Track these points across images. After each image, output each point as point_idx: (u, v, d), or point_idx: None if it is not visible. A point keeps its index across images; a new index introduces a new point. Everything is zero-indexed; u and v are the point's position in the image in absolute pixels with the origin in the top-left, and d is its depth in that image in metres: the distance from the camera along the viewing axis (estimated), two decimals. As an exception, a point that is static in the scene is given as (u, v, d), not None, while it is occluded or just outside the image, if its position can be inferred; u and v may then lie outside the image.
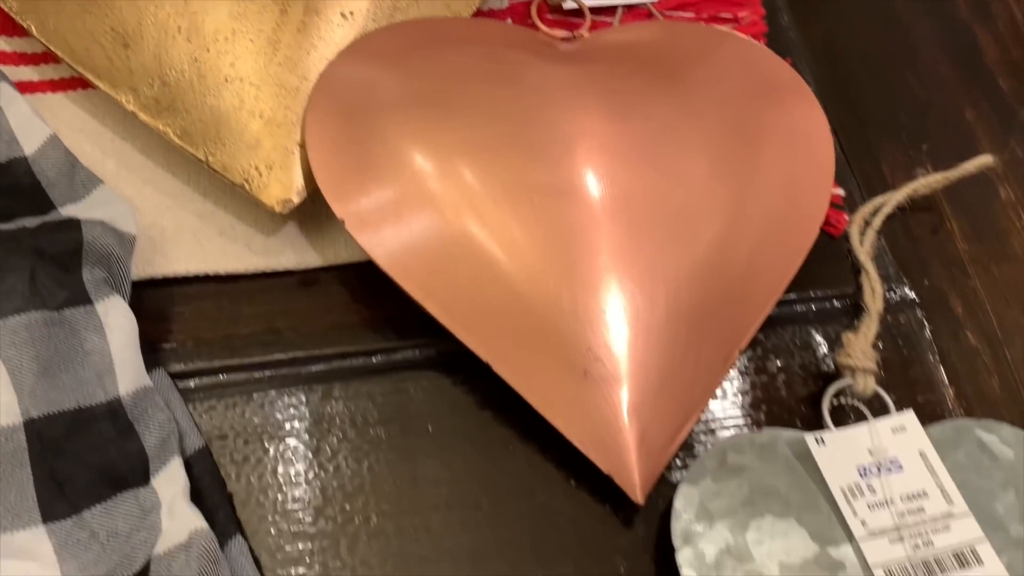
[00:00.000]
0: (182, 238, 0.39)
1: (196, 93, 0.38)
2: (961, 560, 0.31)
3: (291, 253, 0.39)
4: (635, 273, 0.35)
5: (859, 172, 0.44)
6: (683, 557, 0.31)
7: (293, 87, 0.38)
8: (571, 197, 0.37)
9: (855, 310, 0.39)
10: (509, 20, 0.46)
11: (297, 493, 0.34)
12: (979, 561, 0.31)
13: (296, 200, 0.37)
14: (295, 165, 0.38)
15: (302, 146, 0.38)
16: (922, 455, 0.33)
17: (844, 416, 0.36)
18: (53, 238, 0.34)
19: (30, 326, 0.33)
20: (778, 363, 0.38)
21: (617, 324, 0.34)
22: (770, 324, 0.38)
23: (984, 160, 0.41)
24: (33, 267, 0.34)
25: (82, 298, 0.34)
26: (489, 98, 0.39)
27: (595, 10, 0.45)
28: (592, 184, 0.37)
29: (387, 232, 0.36)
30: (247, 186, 0.37)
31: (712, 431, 0.36)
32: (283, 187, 0.37)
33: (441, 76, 0.39)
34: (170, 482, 0.33)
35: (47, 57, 0.43)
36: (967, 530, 0.31)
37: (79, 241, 0.35)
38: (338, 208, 0.36)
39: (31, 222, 0.36)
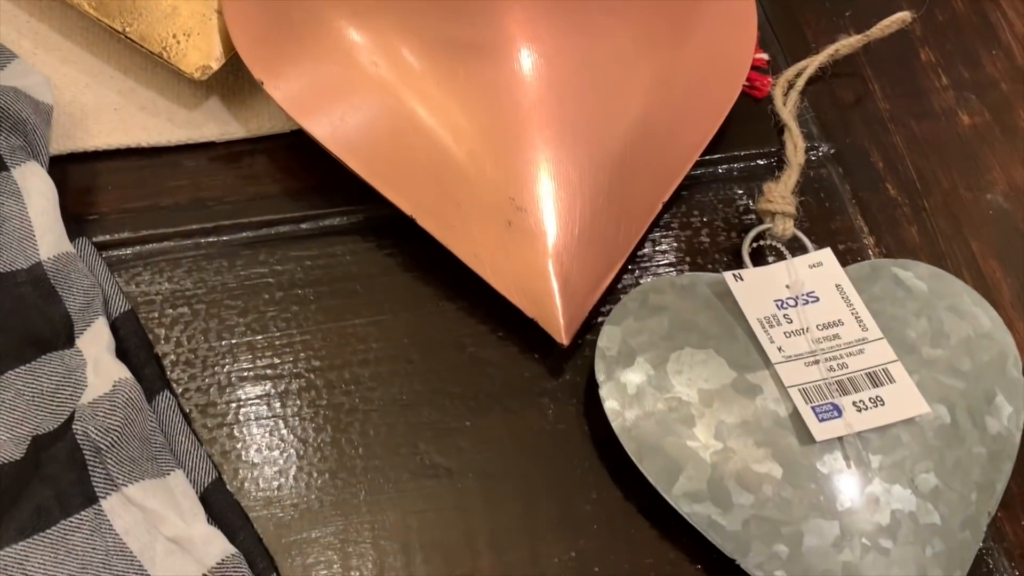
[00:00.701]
0: (103, 114, 0.38)
1: (124, -25, 0.38)
2: (874, 380, 0.32)
3: (214, 125, 0.39)
4: (558, 128, 0.36)
5: (783, 38, 0.44)
6: (606, 390, 0.32)
7: None
8: (494, 55, 0.36)
9: (778, 167, 0.40)
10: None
11: (225, 351, 0.34)
12: (891, 380, 0.32)
13: (215, 66, 0.37)
14: (213, 32, 0.37)
15: (219, 13, 0.37)
16: (838, 287, 0.34)
17: (764, 259, 0.37)
18: (-39, 103, 0.34)
19: (-58, 190, 0.33)
20: (703, 219, 0.39)
21: (540, 176, 0.35)
22: (696, 183, 0.39)
23: (902, 16, 0.41)
24: (-57, 133, 0.33)
25: (-3, 164, 0.34)
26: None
27: None
28: (516, 43, 0.37)
29: (306, 91, 0.36)
30: (165, 54, 0.37)
31: (637, 282, 0.37)
32: (201, 54, 0.37)
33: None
34: (94, 341, 0.33)
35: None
36: (880, 353, 0.32)
37: (-11, 106, 0.34)
38: (257, 70, 0.36)
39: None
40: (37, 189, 0.34)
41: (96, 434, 0.30)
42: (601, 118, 0.36)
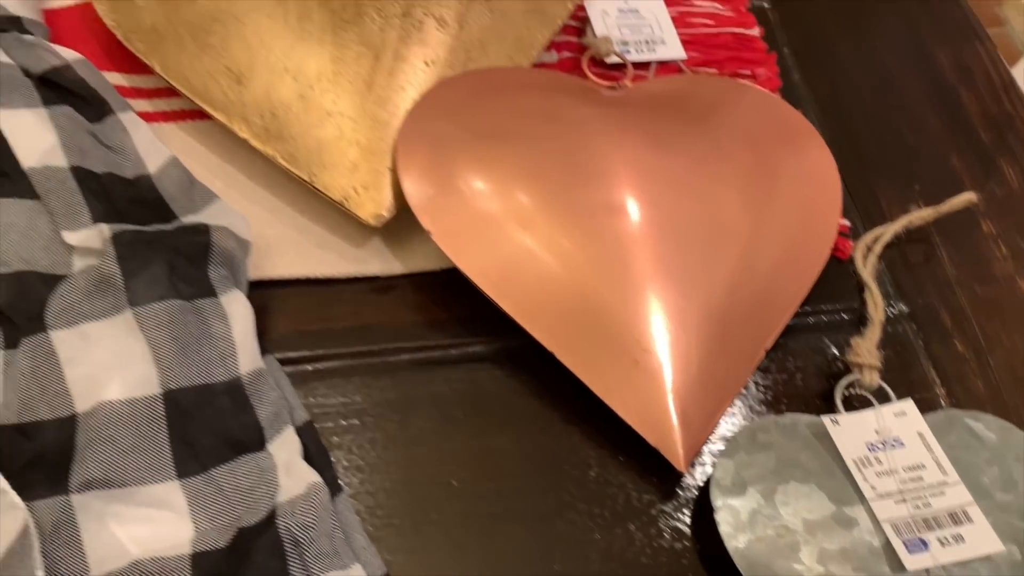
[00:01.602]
0: (285, 247, 0.45)
1: (302, 124, 0.45)
2: (955, 519, 0.37)
3: (378, 261, 0.45)
4: (676, 280, 0.42)
5: (860, 206, 0.51)
6: (721, 515, 0.37)
7: (384, 121, 0.45)
8: (620, 214, 0.43)
9: (860, 322, 0.46)
10: (557, 72, 0.53)
11: (389, 459, 0.40)
12: (969, 519, 0.37)
13: (387, 216, 0.44)
14: (386, 186, 0.44)
15: (392, 170, 0.44)
16: (920, 435, 0.39)
17: (852, 405, 0.42)
18: (188, 239, 0.41)
19: (170, 311, 0.39)
20: (796, 364, 0.44)
21: (664, 322, 0.41)
22: (789, 332, 0.44)
23: (968, 197, 0.48)
24: (172, 262, 0.40)
25: (209, 291, 0.41)
26: (548, 133, 0.46)
27: (634, 64, 0.53)
28: (638, 205, 0.44)
29: (466, 242, 0.42)
30: (346, 203, 0.44)
31: (745, 417, 0.42)
32: (376, 204, 0.44)
33: (508, 114, 0.46)
34: (284, 446, 0.38)
35: (161, 92, 0.50)
36: (959, 495, 0.37)
37: (208, 243, 0.41)
38: (425, 221, 0.42)
39: (160, 228, 0.42)
40: (239, 313, 0.41)
41: (296, 530, 0.35)
42: (712, 274, 0.43)
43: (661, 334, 0.41)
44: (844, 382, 0.42)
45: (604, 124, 0.46)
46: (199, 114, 0.49)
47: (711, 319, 0.41)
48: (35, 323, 0.40)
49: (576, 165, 0.45)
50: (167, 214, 0.44)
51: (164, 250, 0.40)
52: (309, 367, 0.42)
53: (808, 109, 0.54)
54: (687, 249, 0.43)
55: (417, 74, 0.47)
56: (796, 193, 0.47)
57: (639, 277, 0.42)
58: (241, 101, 0.46)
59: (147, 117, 0.49)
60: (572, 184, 0.44)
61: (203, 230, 0.41)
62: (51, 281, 0.41)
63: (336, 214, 0.46)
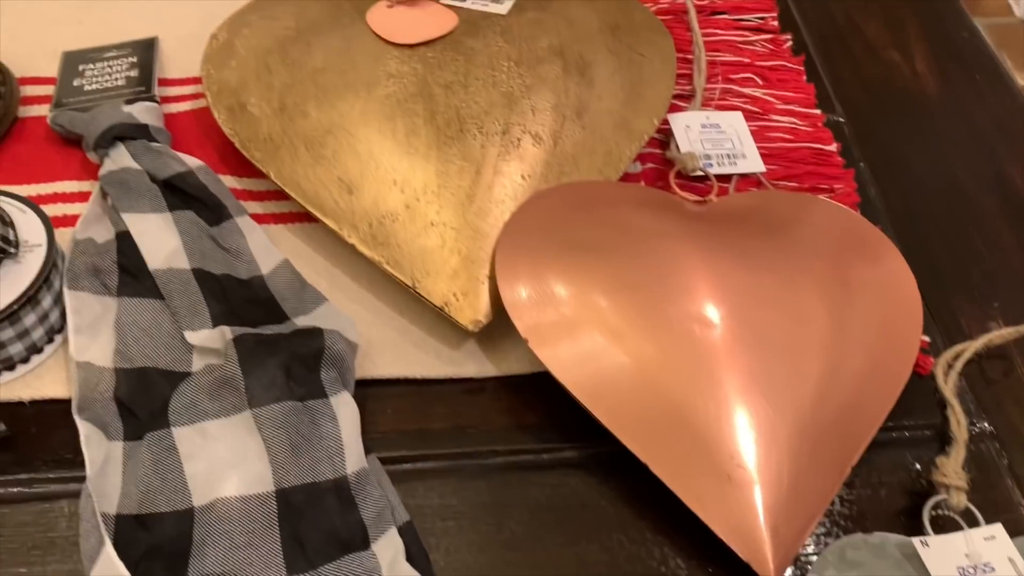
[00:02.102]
0: (385, 348, 0.48)
1: (407, 233, 0.48)
2: (1049, 649, 0.37)
3: (472, 364, 0.47)
4: (767, 395, 0.43)
5: (940, 322, 0.52)
6: (813, 634, 0.38)
7: (484, 232, 0.48)
8: (709, 327, 0.45)
9: (942, 438, 0.47)
10: (642, 182, 0.55)
11: (484, 562, 0.41)
12: (1064, 651, 0.37)
13: (484, 322, 0.46)
14: (484, 293, 0.46)
15: (490, 278, 0.47)
16: (1011, 561, 0.39)
17: (939, 525, 0.43)
18: (302, 343, 0.43)
19: (285, 412, 0.41)
20: (880, 479, 0.45)
21: (755, 437, 0.42)
22: (874, 447, 0.45)
23: (1049, 317, 0.49)
24: (288, 365, 0.42)
25: (320, 392, 0.43)
26: (638, 246, 0.48)
27: (716, 176, 0.55)
28: (725, 318, 0.45)
29: (561, 350, 0.44)
30: (446, 308, 0.46)
31: (830, 532, 0.43)
32: (474, 310, 0.46)
33: (600, 227, 0.49)
34: (388, 547, 0.40)
35: (271, 195, 0.53)
36: (1053, 625, 0.37)
37: (321, 347, 0.43)
38: (522, 328, 0.44)
39: (274, 329, 0.45)
40: (347, 414, 0.43)
41: (403, 631, 0.37)
42: (801, 389, 0.44)
43: (753, 448, 0.42)
44: (931, 503, 0.42)
45: (691, 238, 0.48)
46: (307, 217, 0.52)
47: (800, 433, 0.43)
48: (158, 418, 0.42)
49: (665, 278, 0.47)
50: (279, 314, 0.47)
51: (281, 353, 0.43)
52: (408, 466, 0.44)
53: (885, 224, 0.55)
54: (774, 362, 0.44)
55: (515, 187, 0.49)
56: (877, 308, 0.48)
57: (729, 389, 0.43)
58: (351, 209, 0.49)
59: (258, 219, 0.52)
60: (662, 296, 0.46)
61: (317, 334, 0.44)
62: (172, 378, 0.44)
63: (433, 317, 0.49)
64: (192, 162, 0.51)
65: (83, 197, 0.53)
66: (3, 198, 0.47)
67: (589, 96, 0.53)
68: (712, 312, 0.46)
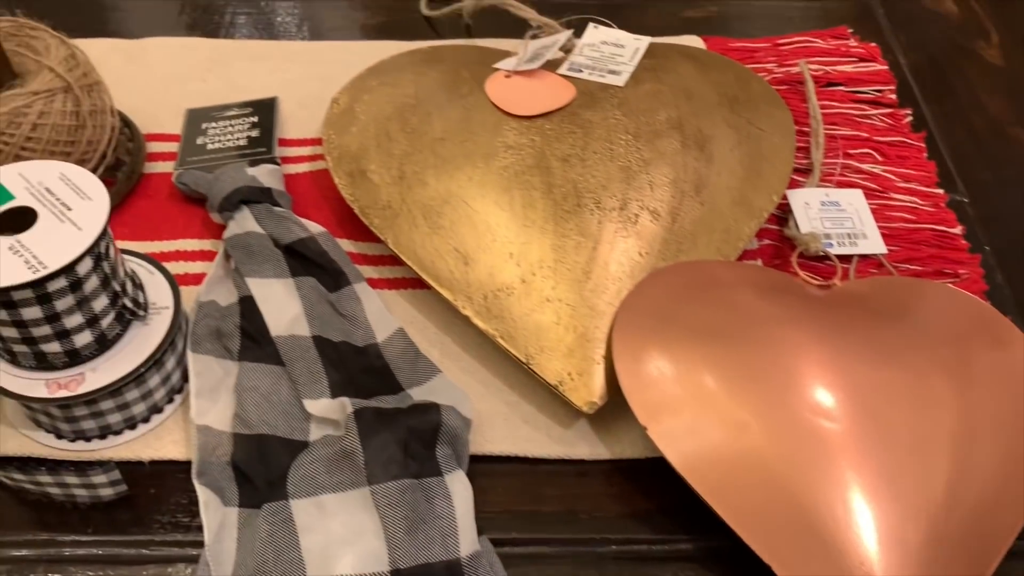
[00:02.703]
0: (495, 422, 0.47)
1: (522, 307, 0.47)
2: None
3: (584, 445, 0.47)
4: (897, 496, 0.41)
5: (1077, 422, 0.49)
6: None
7: (601, 310, 0.47)
8: (834, 421, 0.43)
9: (1083, 550, 0.44)
10: (759, 260, 0.54)
11: (598, 659, 0.40)
12: None
13: (599, 404, 0.45)
14: (600, 374, 0.46)
15: (606, 359, 0.46)
16: None
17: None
18: (420, 418, 0.43)
19: (402, 490, 0.41)
20: (1017, 593, 0.43)
21: (885, 543, 0.40)
22: (1011, 556, 0.43)
23: None
24: (406, 442, 0.42)
25: (436, 470, 0.43)
26: (761, 333, 0.47)
27: (836, 256, 0.53)
28: (852, 412, 0.44)
29: (680, 438, 0.43)
30: (560, 388, 0.45)
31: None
32: (589, 391, 0.45)
33: (720, 311, 0.48)
34: (499, 634, 0.39)
35: (385, 260, 0.54)
36: None
37: (438, 423, 0.43)
38: (641, 415, 0.44)
39: (390, 400, 0.45)
40: (461, 493, 0.42)
41: None
42: (933, 491, 0.42)
43: (883, 555, 0.40)
44: (1078, 625, 0.40)
45: (815, 326, 0.47)
46: (420, 284, 0.52)
47: (932, 539, 0.40)
48: (275, 488, 0.42)
49: (789, 368, 0.45)
50: (394, 384, 0.47)
51: (399, 428, 0.42)
52: (520, 550, 0.43)
53: (1014, 314, 0.53)
54: (903, 461, 0.43)
55: (632, 265, 0.49)
56: (1010, 401, 0.46)
57: (856, 489, 0.41)
58: (466, 280, 0.49)
59: (373, 283, 0.53)
60: (786, 387, 0.45)
61: (433, 409, 0.43)
62: (290, 447, 0.44)
63: (544, 392, 0.48)
64: (313, 228, 0.52)
65: (204, 256, 0.54)
66: (133, 259, 0.48)
67: (708, 172, 0.53)
68: (837, 405, 0.44)
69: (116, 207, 0.56)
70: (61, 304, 0.41)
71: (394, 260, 0.53)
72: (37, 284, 0.40)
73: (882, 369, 0.46)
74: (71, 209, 0.41)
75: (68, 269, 0.40)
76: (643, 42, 0.60)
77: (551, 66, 0.60)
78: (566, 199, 0.51)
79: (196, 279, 0.53)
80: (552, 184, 0.51)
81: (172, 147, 0.60)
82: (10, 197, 0.42)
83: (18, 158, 0.51)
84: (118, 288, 0.44)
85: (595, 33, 0.61)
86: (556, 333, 0.47)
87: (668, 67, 0.59)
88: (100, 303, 0.42)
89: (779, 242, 0.56)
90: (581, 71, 0.58)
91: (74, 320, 0.42)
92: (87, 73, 0.54)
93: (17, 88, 0.51)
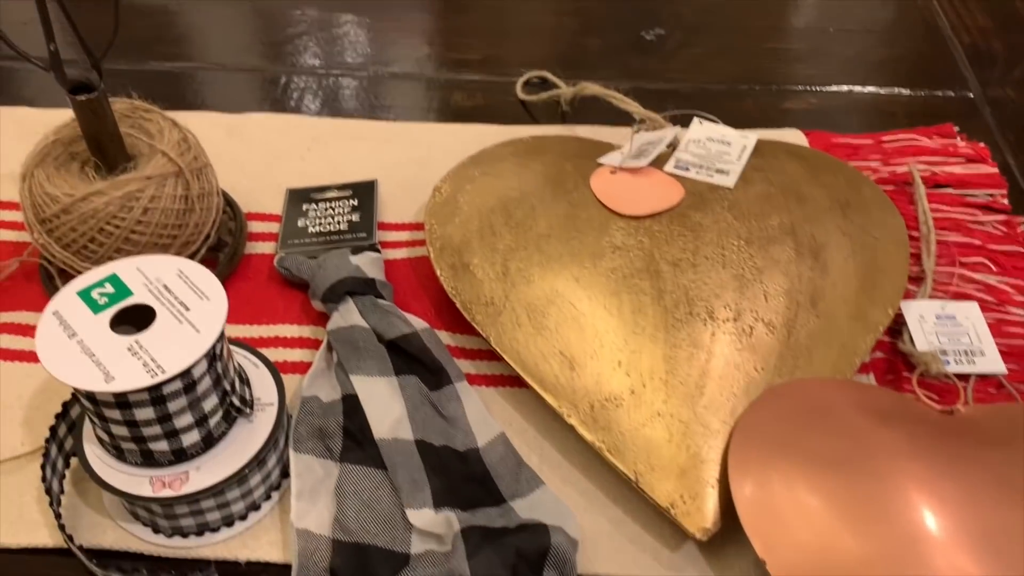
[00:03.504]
0: (599, 540, 0.45)
1: (631, 420, 0.46)
2: None
3: (693, 570, 0.44)
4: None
5: None
6: None
7: (715, 429, 0.45)
8: (967, 565, 0.41)
9: None
10: (871, 374, 0.52)
11: None
12: None
13: (713, 531, 0.43)
14: (714, 498, 0.44)
15: (721, 482, 0.44)
16: None
17: None
18: (528, 539, 0.41)
19: (509, 616, 0.39)
20: None
21: None
22: None
23: None
24: (514, 564, 0.41)
25: (543, 596, 0.41)
26: (887, 465, 0.44)
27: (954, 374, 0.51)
28: (986, 561, 0.41)
29: (800, 569, 0.41)
30: (671, 510, 0.43)
31: None
32: (703, 517, 0.43)
33: (842, 436, 0.45)
34: None
35: (483, 354, 0.53)
36: None
37: (547, 546, 0.41)
38: (759, 547, 0.41)
39: (494, 514, 0.44)
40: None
41: None
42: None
43: None
44: None
45: (940, 459, 0.45)
46: (519, 382, 0.51)
47: None
48: (376, 603, 0.41)
49: (914, 504, 0.43)
50: (496, 494, 0.45)
51: (507, 551, 0.41)
52: None
53: None
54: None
55: (748, 381, 0.47)
56: None
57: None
58: (571, 387, 0.47)
59: (470, 379, 0.51)
60: (910, 524, 0.42)
61: (542, 531, 0.42)
62: (391, 559, 0.42)
63: (650, 510, 0.46)
64: (417, 323, 0.51)
65: (303, 343, 0.54)
66: (240, 350, 0.48)
67: (823, 282, 0.51)
68: (968, 553, 0.41)
69: (216, 288, 0.56)
70: (174, 405, 0.40)
71: (493, 355, 0.52)
72: (153, 387, 0.39)
73: (1010, 509, 0.43)
74: (189, 309, 0.41)
75: (184, 373, 0.40)
76: (750, 139, 0.59)
77: (656, 161, 0.59)
78: (677, 306, 0.49)
79: (295, 367, 0.52)
80: (663, 290, 0.50)
81: (272, 227, 0.61)
82: (128, 293, 0.42)
83: (127, 241, 0.51)
84: (228, 387, 0.43)
85: (700, 128, 0.60)
86: (668, 451, 0.45)
87: (776, 167, 0.58)
88: (210, 403, 0.42)
89: (892, 355, 0.53)
90: (688, 169, 0.57)
91: (184, 420, 0.41)
92: (197, 156, 0.54)
93: (131, 172, 0.52)
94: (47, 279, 0.56)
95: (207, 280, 0.42)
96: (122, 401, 0.39)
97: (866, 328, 0.50)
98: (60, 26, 0.48)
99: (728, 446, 0.45)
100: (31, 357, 0.53)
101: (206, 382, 0.41)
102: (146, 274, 0.43)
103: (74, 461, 0.47)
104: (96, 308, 0.41)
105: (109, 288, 0.42)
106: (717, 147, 0.59)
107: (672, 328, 0.49)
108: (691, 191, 0.56)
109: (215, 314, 0.41)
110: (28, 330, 0.54)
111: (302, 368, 0.52)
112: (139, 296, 0.42)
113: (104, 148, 0.51)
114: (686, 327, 0.49)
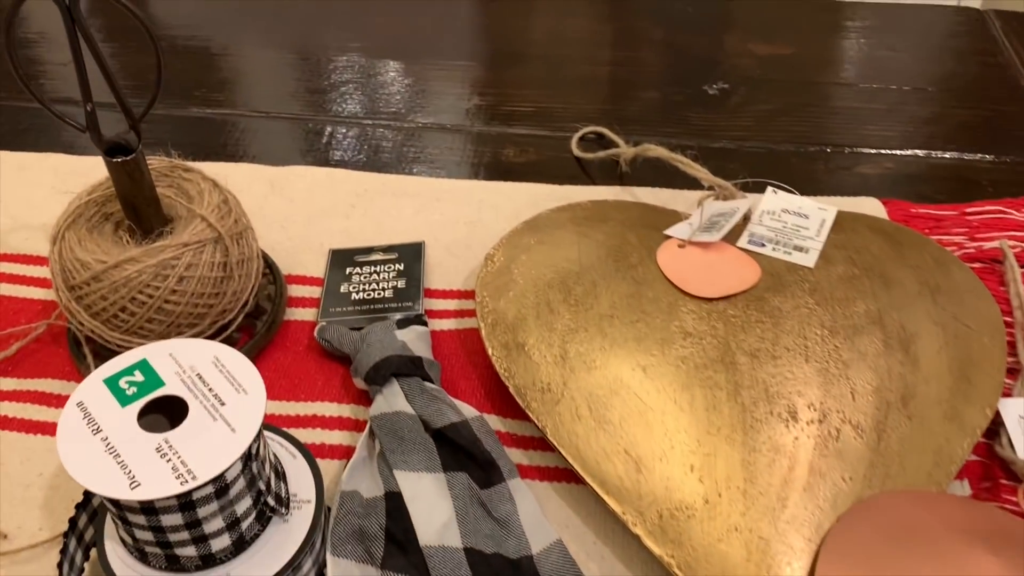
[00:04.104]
0: (666, 667, 0.41)
1: (705, 533, 0.41)
2: None
3: None
4: None
5: None
6: None
7: (799, 548, 0.41)
8: None
9: None
10: (966, 480, 0.47)
11: None
12: None
13: (798, 666, 0.39)
14: (797, 629, 0.39)
15: (806, 611, 0.40)
16: None
17: None
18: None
19: None
20: None
21: None
22: None
23: None
24: None
25: None
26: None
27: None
28: None
29: None
30: (750, 640, 0.39)
31: None
32: (786, 649, 0.39)
33: (935, 561, 0.41)
34: None
35: (536, 443, 0.49)
36: None
37: None
38: None
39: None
40: None
41: None
42: None
43: None
44: None
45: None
46: (577, 477, 0.46)
47: None
48: None
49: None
50: (551, 610, 0.41)
51: None
52: None
53: None
54: None
55: (835, 492, 0.42)
56: None
57: None
58: (637, 492, 0.43)
59: (521, 471, 0.47)
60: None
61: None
62: None
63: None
64: (467, 411, 0.47)
65: (343, 423, 0.50)
66: (276, 438, 0.44)
67: (915, 378, 0.46)
68: None
69: (253, 360, 0.52)
70: (204, 511, 0.37)
71: (547, 445, 0.48)
72: (182, 494, 0.35)
73: None
74: (224, 404, 0.37)
75: (217, 477, 0.36)
76: (829, 213, 0.55)
77: (727, 234, 0.55)
78: (756, 404, 0.45)
79: (332, 451, 0.48)
80: (739, 384, 0.46)
81: (313, 291, 0.57)
82: (159, 384, 0.38)
83: (160, 311, 0.48)
84: (263, 487, 0.39)
85: (775, 199, 0.56)
86: (746, 571, 0.40)
87: (858, 244, 0.54)
88: (243, 505, 0.38)
89: (988, 458, 0.48)
90: (764, 245, 0.53)
91: (214, 525, 0.37)
92: (238, 220, 0.50)
93: (167, 236, 0.49)
94: (74, 345, 0.52)
95: (245, 370, 0.39)
96: (147, 507, 0.36)
97: (962, 431, 0.45)
98: (93, 75, 0.45)
99: (814, 569, 0.40)
100: (55, 430, 0.49)
101: (239, 484, 0.37)
102: (179, 361, 0.39)
103: (93, 553, 0.44)
104: (124, 400, 0.37)
105: (139, 376, 0.38)
106: (794, 220, 0.54)
107: (751, 429, 0.44)
108: (768, 270, 0.52)
109: (253, 411, 0.37)
110: (52, 399, 0.51)
111: (340, 452, 0.48)
112: (171, 387, 0.38)
113: (140, 211, 0.48)
114: (766, 428, 0.44)
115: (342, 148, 0.70)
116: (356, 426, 0.50)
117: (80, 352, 0.52)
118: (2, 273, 0.58)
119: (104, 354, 0.52)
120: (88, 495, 0.42)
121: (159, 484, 0.35)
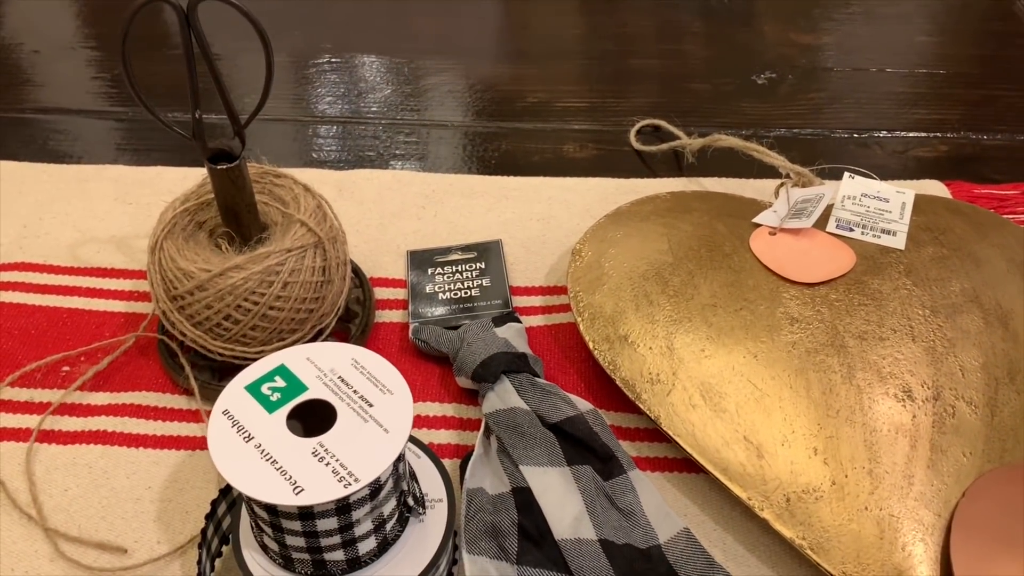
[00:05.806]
0: (805, 649, 0.41)
1: (834, 514, 0.42)
2: None
3: None
4: None
5: None
6: None
7: (929, 523, 0.41)
8: None
9: None
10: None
11: None
12: None
13: (942, 640, 0.39)
14: (938, 605, 0.40)
15: (943, 585, 0.40)
16: None
17: None
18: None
19: None
20: None
21: None
22: None
23: None
24: None
25: None
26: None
27: None
28: None
29: None
30: (892, 618, 0.39)
31: None
32: (928, 625, 0.39)
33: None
34: None
35: (644, 434, 0.49)
36: None
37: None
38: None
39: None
40: None
41: None
42: None
43: None
44: None
45: None
46: (688, 466, 0.47)
47: None
48: None
49: None
50: (687, 598, 0.41)
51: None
52: None
53: None
54: None
55: (958, 468, 0.43)
56: None
57: None
58: (761, 477, 0.43)
59: (637, 462, 0.47)
60: None
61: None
62: None
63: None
64: (581, 404, 0.47)
65: (447, 423, 0.50)
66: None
67: (1018, 354, 0.47)
68: None
69: (346, 362, 0.52)
70: (358, 513, 0.36)
71: (655, 436, 0.48)
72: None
73: None
74: (372, 405, 0.37)
75: (375, 479, 0.36)
76: (908, 196, 0.56)
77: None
78: (871, 385, 0.45)
79: (441, 450, 0.48)
80: (852, 366, 0.46)
81: (397, 293, 0.57)
82: (303, 388, 0.38)
83: (264, 317, 0.47)
84: (405, 487, 0.39)
85: (853, 184, 0.57)
86: (881, 551, 0.41)
87: (941, 226, 0.54)
88: (389, 506, 0.38)
89: (1087, 430, 0.49)
90: (852, 230, 0.53)
91: (364, 527, 0.37)
92: (332, 224, 0.50)
93: (266, 243, 0.48)
94: (167, 355, 0.52)
95: (386, 371, 0.38)
96: (306, 512, 0.35)
97: (1068, 404, 0.46)
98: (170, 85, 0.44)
99: (949, 543, 0.41)
100: (157, 442, 0.49)
101: (389, 485, 0.37)
102: (318, 365, 0.39)
103: (219, 562, 0.44)
104: (269, 406, 0.37)
105: (280, 382, 0.38)
106: (875, 204, 0.55)
107: (869, 410, 0.44)
108: (861, 254, 0.52)
109: (402, 411, 0.37)
110: (150, 412, 0.50)
111: (450, 451, 0.48)
112: (315, 391, 0.38)
113: (240, 218, 0.48)
114: (884, 408, 0.45)
115: (402, 150, 0.69)
116: (460, 425, 0.50)
117: (176, 363, 0.51)
118: (79, 287, 0.57)
119: (200, 364, 0.51)
120: (215, 505, 0.42)
121: (323, 489, 0.34)
